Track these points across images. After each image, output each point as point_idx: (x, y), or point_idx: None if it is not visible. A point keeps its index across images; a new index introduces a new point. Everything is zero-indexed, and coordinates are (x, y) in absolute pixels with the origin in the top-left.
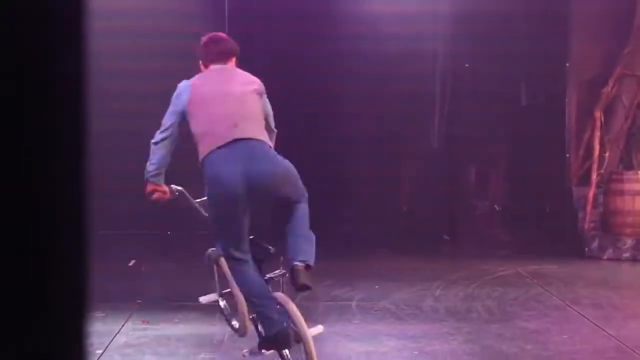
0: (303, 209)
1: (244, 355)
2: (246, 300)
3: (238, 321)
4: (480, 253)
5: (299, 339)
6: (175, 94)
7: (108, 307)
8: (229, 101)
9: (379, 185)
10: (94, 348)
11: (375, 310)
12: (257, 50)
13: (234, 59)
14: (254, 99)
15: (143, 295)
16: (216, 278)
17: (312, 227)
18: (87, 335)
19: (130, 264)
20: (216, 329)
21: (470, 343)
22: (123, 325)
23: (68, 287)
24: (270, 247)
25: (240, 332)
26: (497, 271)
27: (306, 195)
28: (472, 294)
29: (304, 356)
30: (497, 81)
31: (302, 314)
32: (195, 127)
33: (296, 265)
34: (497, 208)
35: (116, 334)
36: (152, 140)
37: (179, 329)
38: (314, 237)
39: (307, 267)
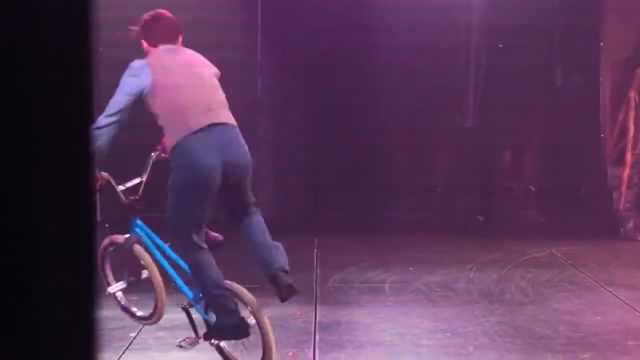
0: (259, 219)
1: (180, 346)
2: (202, 290)
3: (155, 308)
4: (514, 234)
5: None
6: (128, 74)
7: (142, 290)
8: (199, 85)
9: (413, 167)
10: (127, 330)
11: (409, 292)
12: (288, 23)
13: (180, 38)
14: (217, 82)
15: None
16: (127, 266)
17: (348, 211)
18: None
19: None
20: (249, 311)
21: (503, 325)
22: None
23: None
24: (219, 235)
25: (153, 320)
26: (531, 252)
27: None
28: (505, 276)
29: (262, 346)
30: (532, 61)
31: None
32: (163, 110)
33: (276, 272)
34: (532, 189)
35: None
36: (95, 125)
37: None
38: (280, 244)
39: (285, 272)
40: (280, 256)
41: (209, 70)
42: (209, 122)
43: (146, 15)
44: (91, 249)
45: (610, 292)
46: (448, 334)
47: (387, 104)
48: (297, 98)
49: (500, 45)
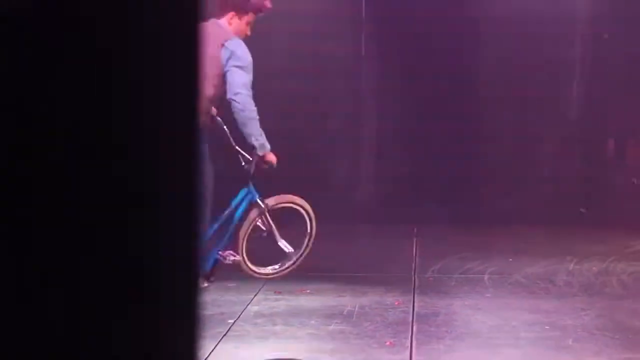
0: None
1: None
2: None
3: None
4: (617, 226)
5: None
6: (249, 61)
7: (240, 277)
8: None
9: (516, 159)
10: (225, 317)
11: (508, 284)
12: (392, 13)
13: None
14: None
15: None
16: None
17: (449, 200)
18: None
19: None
20: (347, 300)
21: (602, 318)
22: (255, 295)
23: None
24: None
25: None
26: (634, 245)
27: None
28: (607, 269)
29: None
30: (636, 51)
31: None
32: None
33: None
34: (635, 181)
35: (248, 304)
36: (254, 113)
37: (310, 299)
38: None
39: None
40: None
41: None
42: None
43: None
44: (196, 231)
45: None
46: (547, 327)
47: (492, 94)
48: (401, 88)
49: (606, 36)
